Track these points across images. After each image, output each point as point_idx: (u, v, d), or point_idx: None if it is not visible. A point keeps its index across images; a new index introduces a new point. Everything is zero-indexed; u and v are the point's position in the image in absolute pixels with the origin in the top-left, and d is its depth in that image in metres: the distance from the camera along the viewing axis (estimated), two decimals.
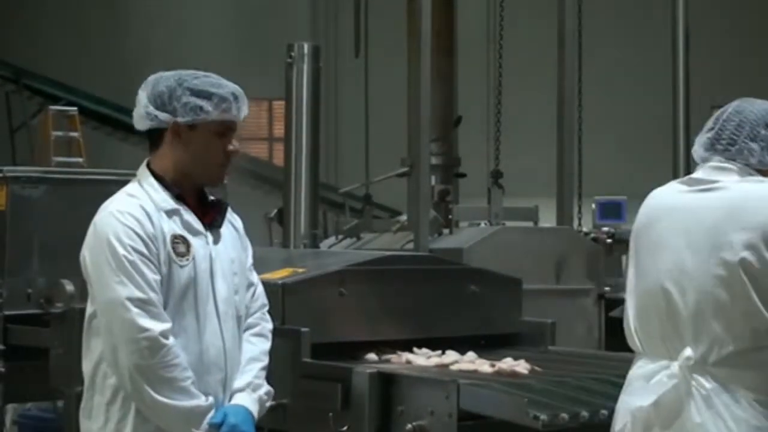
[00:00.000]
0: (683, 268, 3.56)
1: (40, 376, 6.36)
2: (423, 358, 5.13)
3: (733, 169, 3.63)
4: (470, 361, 5.09)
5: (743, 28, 20.97)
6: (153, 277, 3.65)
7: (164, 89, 3.77)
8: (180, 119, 3.75)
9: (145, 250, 3.66)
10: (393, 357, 5.17)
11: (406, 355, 5.15)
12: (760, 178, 3.62)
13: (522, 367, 4.87)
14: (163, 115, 3.76)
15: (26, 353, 6.71)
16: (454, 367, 5.00)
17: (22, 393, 7.12)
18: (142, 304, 3.61)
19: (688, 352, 3.52)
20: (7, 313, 6.92)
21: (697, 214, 3.60)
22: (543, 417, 3.99)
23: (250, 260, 4.01)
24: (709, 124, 3.74)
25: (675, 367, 3.53)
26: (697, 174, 3.69)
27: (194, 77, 3.80)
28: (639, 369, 3.66)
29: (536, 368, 4.88)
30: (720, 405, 3.49)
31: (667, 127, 8.26)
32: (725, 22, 20.51)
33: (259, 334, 3.96)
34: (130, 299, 3.61)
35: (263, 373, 3.91)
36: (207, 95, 3.76)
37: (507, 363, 4.94)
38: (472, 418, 4.33)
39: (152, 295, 3.63)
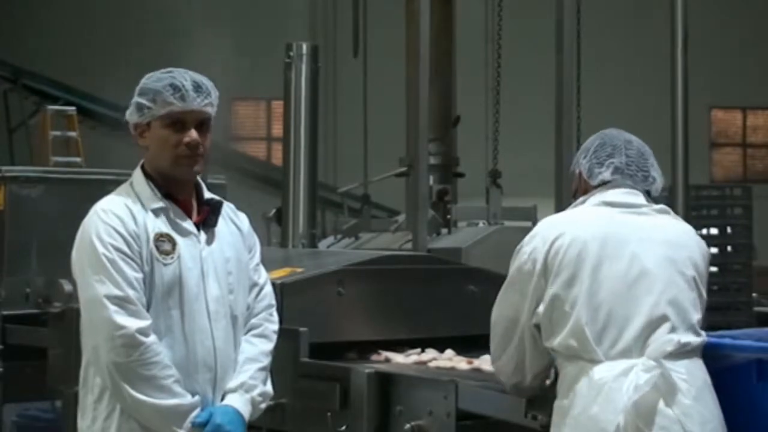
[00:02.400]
0: (648, 271, 3.76)
1: (39, 375, 6.36)
2: (402, 356, 5.14)
3: (640, 195, 3.93)
4: (448, 359, 5.13)
5: (742, 28, 20.97)
6: (133, 275, 3.66)
7: (136, 91, 3.83)
8: (133, 120, 3.82)
9: (125, 248, 3.67)
10: (373, 356, 5.18)
11: (385, 354, 5.16)
12: (665, 208, 3.95)
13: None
14: (129, 117, 3.83)
15: (24, 353, 6.72)
16: (431, 365, 5.04)
17: (21, 393, 7.12)
18: (120, 302, 3.62)
19: (674, 337, 3.67)
20: (5, 312, 6.93)
21: (644, 230, 3.83)
22: (541, 417, 3.98)
23: (256, 260, 4.00)
24: (607, 149, 3.98)
25: (647, 361, 3.64)
26: (618, 197, 3.90)
27: (153, 78, 3.81)
28: (603, 374, 3.66)
29: None
30: (699, 383, 3.71)
31: (666, 127, 8.25)
32: (724, 23, 20.51)
33: (260, 335, 3.94)
34: (108, 297, 3.62)
35: (261, 374, 3.89)
36: (147, 92, 3.79)
37: (484, 361, 4.96)
38: (470, 417, 4.33)
39: (130, 292, 3.64)
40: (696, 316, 3.80)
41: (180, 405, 3.67)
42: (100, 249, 3.65)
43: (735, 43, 20.73)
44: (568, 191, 8.34)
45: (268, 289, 4.04)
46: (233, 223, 3.95)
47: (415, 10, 7.84)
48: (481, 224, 8.31)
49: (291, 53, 7.25)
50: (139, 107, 3.79)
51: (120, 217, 3.71)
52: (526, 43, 16.89)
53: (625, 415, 3.60)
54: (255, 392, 3.85)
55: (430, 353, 5.20)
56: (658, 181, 4.01)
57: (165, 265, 3.72)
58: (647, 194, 3.98)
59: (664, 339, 3.67)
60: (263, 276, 4.03)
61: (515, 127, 12.90)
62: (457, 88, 9.07)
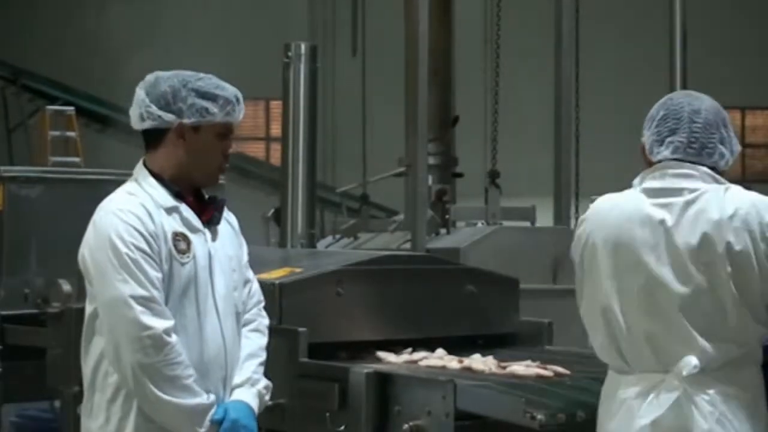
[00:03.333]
0: (670, 284, 3.53)
1: (38, 375, 6.36)
2: (393, 356, 5.16)
3: (695, 175, 3.60)
4: (439, 358, 5.13)
5: (742, 28, 20.97)
6: (155, 274, 3.65)
7: (167, 89, 3.76)
8: (186, 120, 3.76)
9: (147, 248, 3.66)
10: (364, 354, 5.20)
11: (378, 353, 5.18)
12: (718, 185, 3.59)
13: (488, 364, 4.94)
14: (167, 116, 3.76)
15: (23, 353, 6.71)
16: (422, 363, 5.05)
17: (20, 393, 7.12)
18: (146, 302, 3.61)
19: (693, 360, 3.47)
20: (4, 313, 6.93)
21: (673, 231, 3.54)
22: (540, 417, 3.98)
23: (245, 257, 4.02)
24: (669, 123, 3.66)
25: (672, 380, 3.49)
26: (656, 183, 3.64)
27: (197, 78, 3.80)
28: (628, 389, 3.57)
29: (501, 365, 4.92)
30: (725, 408, 3.48)
31: None
32: (724, 23, 20.52)
33: (256, 330, 3.96)
34: (133, 297, 3.60)
35: (261, 368, 3.92)
36: (212, 97, 3.77)
37: (475, 360, 4.99)
38: (469, 417, 4.33)
39: (155, 292, 3.63)
40: (732, 320, 3.48)
41: (200, 404, 3.68)
42: (123, 248, 3.63)
43: (734, 43, 20.73)
44: (566, 191, 8.38)
45: (257, 285, 4.07)
46: (227, 221, 3.97)
47: (413, 11, 7.85)
48: (479, 224, 8.32)
49: (290, 53, 7.25)
50: (200, 109, 3.76)
51: (138, 216, 3.69)
52: (525, 43, 16.89)
53: None
54: (260, 386, 3.87)
55: (421, 352, 5.21)
56: (728, 154, 3.65)
57: (182, 264, 3.72)
58: (714, 170, 3.62)
59: (685, 360, 3.48)
60: (251, 272, 4.06)
61: (514, 128, 12.92)
62: (455, 88, 9.08)
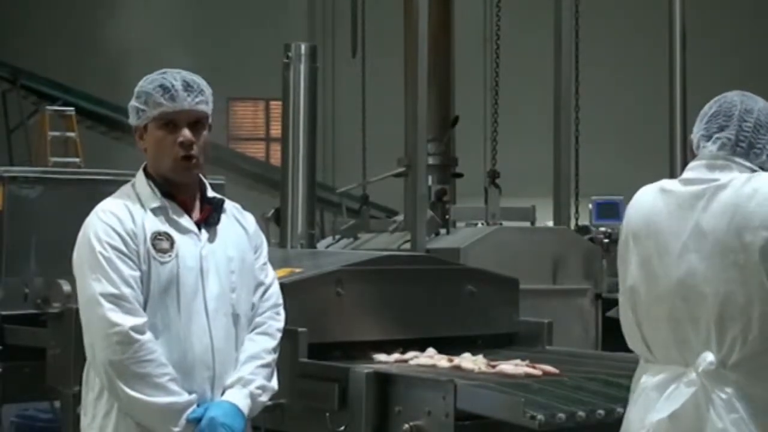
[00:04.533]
0: (695, 273, 3.46)
1: (38, 376, 6.36)
2: (384, 355, 5.19)
3: (731, 165, 3.54)
4: (429, 356, 5.16)
5: (742, 28, 20.98)
6: (130, 273, 3.68)
7: (135, 93, 3.87)
8: (132, 123, 3.87)
9: (122, 247, 3.69)
10: (357, 354, 5.21)
11: (371, 353, 5.20)
12: (752, 174, 3.51)
13: (478, 363, 4.96)
14: (131, 119, 3.88)
15: (23, 353, 6.71)
16: (412, 362, 5.08)
17: (20, 393, 7.11)
18: (114, 300, 3.64)
19: (709, 357, 3.41)
20: (4, 313, 6.92)
21: (700, 218, 3.49)
22: (540, 417, 3.99)
23: (262, 259, 4.01)
24: (719, 120, 3.61)
25: (692, 374, 3.43)
26: (692, 173, 3.58)
27: (147, 80, 3.85)
28: (650, 378, 3.53)
29: (491, 364, 4.94)
30: (741, 409, 3.41)
31: (664, 127, 8.26)
32: (723, 23, 20.52)
33: (263, 333, 3.95)
34: (103, 295, 3.64)
35: (262, 371, 3.89)
36: (140, 95, 3.84)
37: (465, 359, 5.02)
38: (469, 418, 4.33)
39: (126, 290, 3.65)
40: (756, 311, 3.37)
41: (174, 403, 3.67)
42: (97, 248, 3.68)
43: (734, 43, 20.74)
44: (566, 191, 8.37)
45: (275, 288, 4.05)
46: (239, 223, 3.96)
47: (413, 10, 7.85)
48: (479, 224, 8.31)
49: (289, 53, 7.24)
50: (135, 110, 3.84)
51: (118, 216, 3.74)
52: (525, 43, 16.90)
53: (657, 427, 3.46)
54: (252, 386, 3.84)
55: (412, 352, 5.22)
56: None
57: (162, 263, 3.73)
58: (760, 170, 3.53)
59: (704, 354, 3.42)
60: (270, 275, 4.04)
61: (514, 128, 12.90)
62: (455, 88, 9.08)
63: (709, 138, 3.60)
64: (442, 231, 7.95)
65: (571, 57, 8.51)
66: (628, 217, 3.68)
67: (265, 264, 4.03)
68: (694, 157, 3.64)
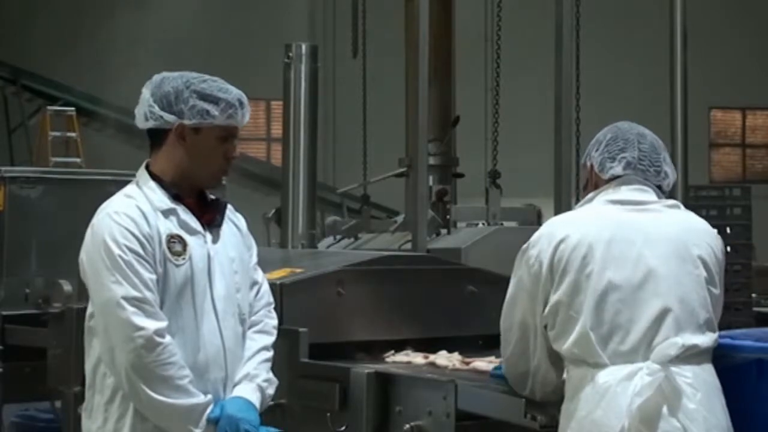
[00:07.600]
0: (654, 272, 3.72)
1: (38, 376, 6.36)
2: (367, 356, 5.22)
3: (650, 191, 3.90)
4: (404, 354, 5.21)
5: (742, 28, 20.97)
6: (149, 276, 3.67)
7: (170, 90, 3.78)
8: (186, 122, 3.77)
9: (140, 250, 3.68)
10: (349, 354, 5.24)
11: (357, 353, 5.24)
12: (676, 203, 3.94)
13: (452, 360, 5.01)
14: (168, 116, 3.77)
15: (24, 353, 6.72)
16: (389, 359, 5.13)
17: (20, 393, 7.12)
18: (138, 303, 3.63)
19: (679, 341, 3.64)
20: (5, 313, 6.93)
21: (651, 229, 3.80)
22: (540, 417, 3.99)
23: (254, 259, 4.03)
24: (619, 143, 3.94)
25: (652, 365, 3.61)
26: (620, 195, 3.87)
27: (201, 80, 3.82)
28: (608, 376, 3.64)
29: (465, 361, 4.97)
30: (706, 387, 3.67)
31: (665, 127, 8.25)
32: (724, 23, 20.52)
33: (261, 331, 3.97)
34: (126, 298, 3.62)
35: (264, 365, 3.92)
36: (214, 100, 3.79)
37: (440, 356, 5.07)
38: (469, 418, 4.33)
39: (147, 293, 3.65)
40: (705, 314, 3.74)
41: (197, 404, 3.68)
42: (116, 250, 3.65)
43: (734, 44, 20.74)
44: (567, 191, 8.37)
45: (266, 287, 4.07)
46: (233, 223, 3.97)
47: (414, 11, 7.84)
48: (480, 225, 8.31)
49: (290, 53, 7.25)
50: (201, 111, 3.77)
51: (133, 218, 3.71)
52: (525, 43, 16.90)
53: (629, 419, 3.58)
54: (259, 379, 3.87)
55: (389, 352, 5.26)
56: (671, 175, 3.96)
57: (177, 266, 3.73)
58: (659, 189, 3.94)
59: (668, 342, 3.64)
60: (261, 274, 4.07)
61: (514, 128, 12.91)
62: (456, 88, 9.07)
63: (613, 159, 3.93)
64: (443, 231, 7.95)
65: (571, 57, 8.50)
66: (568, 232, 3.80)
67: (256, 263, 4.05)
68: (597, 179, 3.96)
